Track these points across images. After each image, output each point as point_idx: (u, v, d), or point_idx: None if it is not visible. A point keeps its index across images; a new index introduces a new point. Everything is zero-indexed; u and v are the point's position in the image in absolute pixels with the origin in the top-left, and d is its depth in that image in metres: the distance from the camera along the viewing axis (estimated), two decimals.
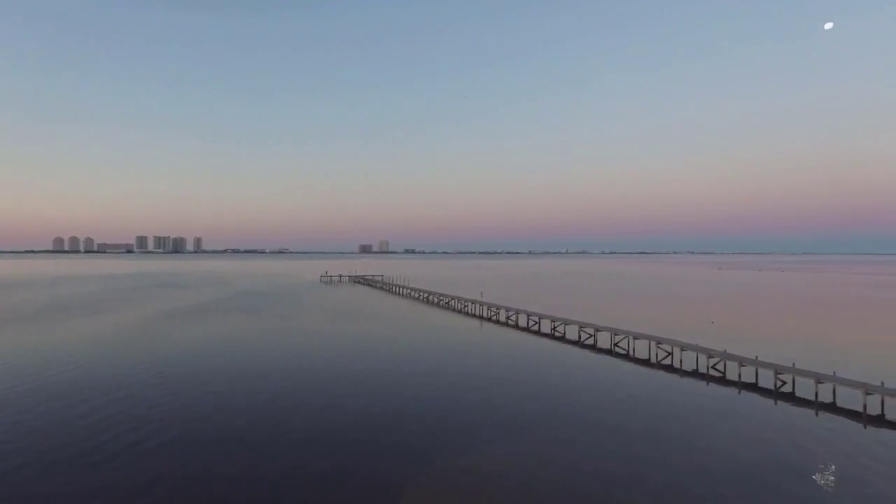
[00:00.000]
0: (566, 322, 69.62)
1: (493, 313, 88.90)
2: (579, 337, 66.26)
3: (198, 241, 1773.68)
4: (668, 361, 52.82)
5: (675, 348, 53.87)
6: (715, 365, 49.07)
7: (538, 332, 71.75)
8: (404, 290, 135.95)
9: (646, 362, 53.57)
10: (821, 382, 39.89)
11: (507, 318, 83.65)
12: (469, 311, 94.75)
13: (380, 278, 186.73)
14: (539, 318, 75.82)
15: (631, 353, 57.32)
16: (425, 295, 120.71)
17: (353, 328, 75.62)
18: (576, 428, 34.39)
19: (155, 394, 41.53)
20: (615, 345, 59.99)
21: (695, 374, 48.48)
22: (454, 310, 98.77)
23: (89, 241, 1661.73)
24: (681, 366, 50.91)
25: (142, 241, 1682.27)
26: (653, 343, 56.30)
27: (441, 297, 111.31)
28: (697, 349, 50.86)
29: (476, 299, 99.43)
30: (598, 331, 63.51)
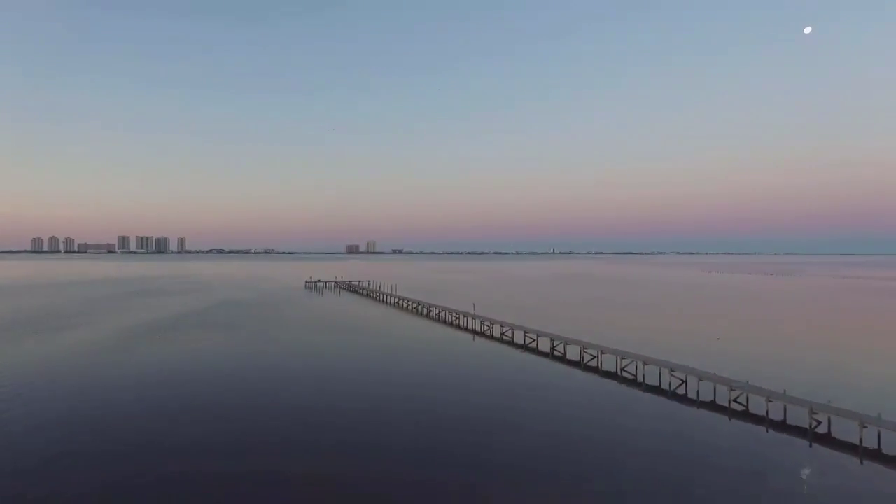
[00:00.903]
0: (566, 342, 64.74)
1: (486, 328, 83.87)
2: (581, 358, 61.41)
3: (181, 241, 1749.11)
4: (682, 391, 48.16)
5: (689, 377, 49.23)
6: (737, 398, 44.40)
7: (536, 351, 66.87)
8: (392, 298, 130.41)
9: (657, 389, 48.85)
10: (865, 426, 35.29)
11: (502, 333, 78.65)
12: (461, 325, 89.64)
13: (366, 284, 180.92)
14: (537, 336, 70.88)
15: (640, 378, 52.54)
16: (414, 305, 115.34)
17: (337, 346, 70.10)
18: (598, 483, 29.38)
19: (104, 436, 35.66)
20: (622, 369, 55.24)
21: (712, 406, 43.89)
22: (445, 322, 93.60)
23: (69, 240, 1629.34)
24: (697, 397, 46.20)
25: (124, 241, 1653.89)
26: (665, 370, 51.52)
27: (431, 308, 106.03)
28: (716, 379, 46.17)
29: (468, 312, 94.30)
30: (602, 353, 58.64)
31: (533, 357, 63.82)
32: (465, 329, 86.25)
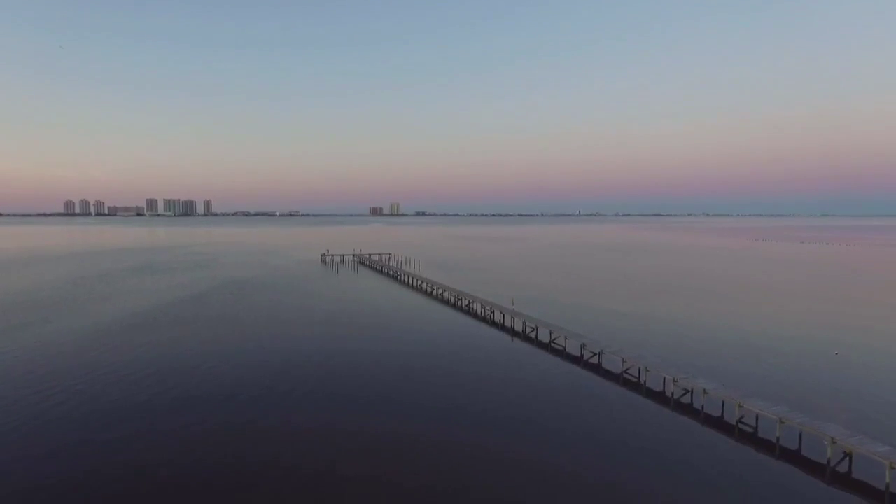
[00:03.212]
0: (644, 367, 47.85)
1: (530, 329, 67.66)
2: (663, 388, 44.99)
3: (208, 203, 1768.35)
4: (819, 458, 31.42)
5: (834, 445, 32.30)
6: None
7: (595, 367, 50.44)
8: (415, 279, 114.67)
9: (796, 456, 32.09)
10: None
11: (552, 339, 62.32)
12: (497, 321, 73.62)
13: (387, 258, 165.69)
14: (600, 353, 54.23)
15: (754, 430, 35.85)
16: (440, 291, 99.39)
17: (348, 345, 54.87)
18: None
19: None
20: (734, 417, 38.54)
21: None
22: (478, 316, 77.67)
23: (100, 203, 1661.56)
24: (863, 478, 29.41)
25: (151, 203, 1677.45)
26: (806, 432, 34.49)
27: (460, 297, 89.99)
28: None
29: (505, 307, 78.05)
30: (706, 393, 41.75)
31: (596, 378, 47.40)
32: (502, 327, 70.27)
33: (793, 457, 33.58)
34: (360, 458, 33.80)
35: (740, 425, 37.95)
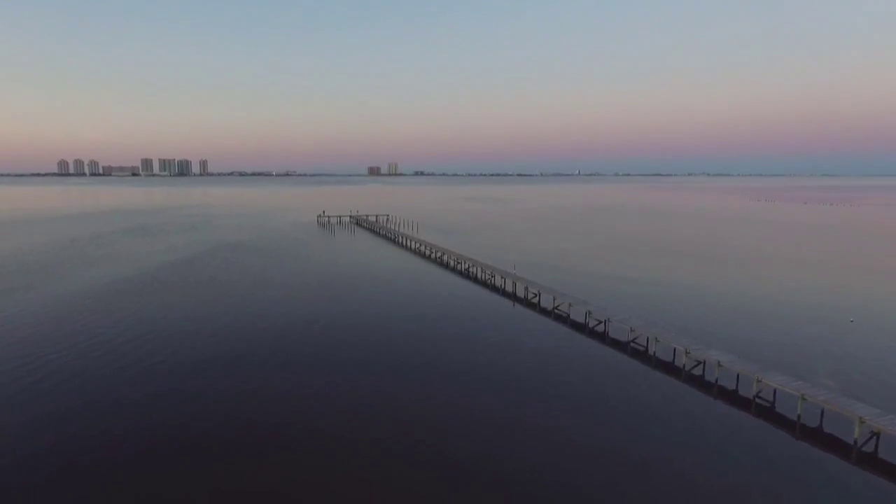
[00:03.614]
0: (655, 336, 45.50)
1: (532, 295, 65.37)
2: (673, 359, 42.95)
3: (203, 163, 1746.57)
4: (844, 437, 29.45)
5: (862, 424, 30.21)
6: None
7: (601, 336, 48.29)
8: (413, 242, 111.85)
9: (818, 433, 30.04)
10: None
11: (555, 306, 60.01)
12: (498, 286, 71.24)
13: (384, 220, 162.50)
14: (606, 321, 51.91)
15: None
16: (439, 254, 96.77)
17: (343, 309, 52.50)
18: None
19: None
20: (751, 392, 36.46)
21: None
22: (478, 280, 75.25)
23: (94, 163, 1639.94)
24: None
25: (147, 163, 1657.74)
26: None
27: (459, 261, 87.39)
28: None
29: (507, 271, 75.65)
30: (720, 366, 39.47)
31: (602, 347, 45.20)
32: (503, 292, 67.91)
33: (815, 434, 31.56)
34: (360, 419, 33.47)
35: (757, 400, 35.86)
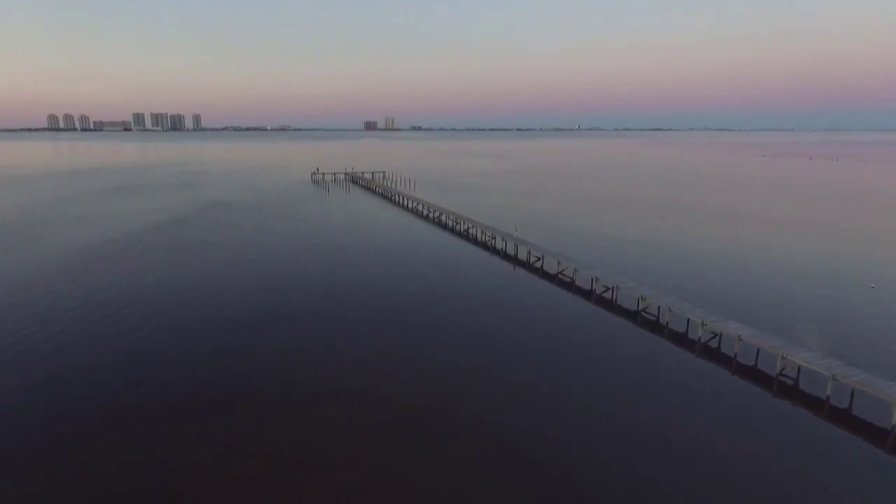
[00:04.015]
0: (668, 307, 42.72)
1: (535, 258, 62.36)
2: (687, 330, 40.44)
3: (197, 118, 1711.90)
4: (878, 422, 27.06)
5: None
6: None
7: (608, 303, 45.67)
8: (410, 201, 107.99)
9: (847, 415, 27.58)
10: None
11: (560, 271, 57.07)
12: (499, 248, 68.13)
13: (380, 177, 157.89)
14: (614, 287, 49.05)
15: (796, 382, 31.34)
16: (437, 214, 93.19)
17: (338, 270, 49.55)
18: None
19: None
20: (774, 369, 33.95)
21: None
22: (477, 242, 72.05)
23: (84, 118, 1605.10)
24: None
25: (139, 118, 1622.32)
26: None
27: (458, 221, 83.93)
28: None
29: (508, 233, 72.41)
30: (740, 340, 36.76)
31: (609, 315, 42.51)
32: (504, 255, 64.86)
33: (844, 417, 29.13)
34: (361, 376, 33.60)
35: (781, 378, 33.33)
